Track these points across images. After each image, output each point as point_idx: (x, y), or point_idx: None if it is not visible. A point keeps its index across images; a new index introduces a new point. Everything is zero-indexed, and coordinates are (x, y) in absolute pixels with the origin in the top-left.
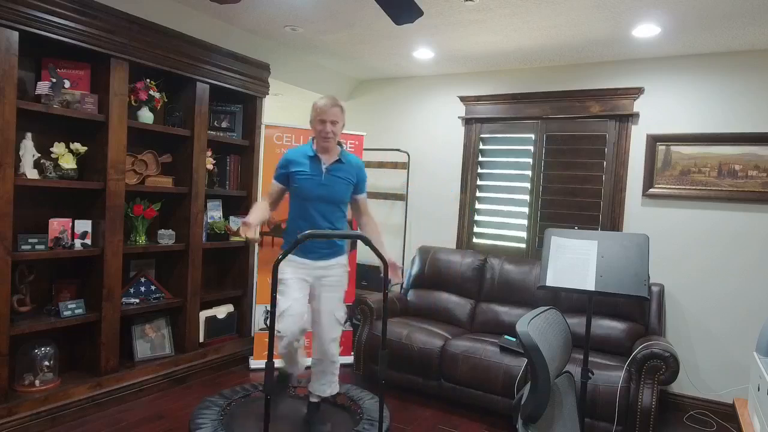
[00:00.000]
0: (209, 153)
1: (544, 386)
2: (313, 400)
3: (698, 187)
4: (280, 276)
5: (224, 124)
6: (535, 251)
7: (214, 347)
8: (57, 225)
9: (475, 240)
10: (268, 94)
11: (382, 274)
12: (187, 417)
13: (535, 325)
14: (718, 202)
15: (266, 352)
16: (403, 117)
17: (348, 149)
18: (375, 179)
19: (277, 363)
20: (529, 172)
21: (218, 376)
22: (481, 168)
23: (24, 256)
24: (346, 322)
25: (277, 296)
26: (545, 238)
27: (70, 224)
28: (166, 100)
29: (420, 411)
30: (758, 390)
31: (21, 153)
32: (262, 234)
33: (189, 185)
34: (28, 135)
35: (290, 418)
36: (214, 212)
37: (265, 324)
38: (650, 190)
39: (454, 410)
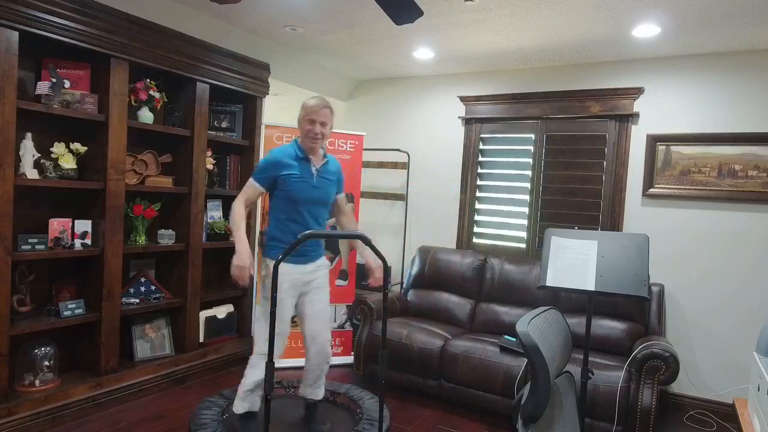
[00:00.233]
0: (209, 153)
1: (544, 386)
2: (313, 398)
3: (698, 187)
4: (242, 283)
5: (224, 124)
6: (535, 251)
7: (214, 347)
8: (57, 225)
9: (475, 240)
10: (268, 94)
11: (366, 278)
12: (187, 417)
13: (535, 325)
14: (718, 202)
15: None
16: (403, 117)
17: (348, 149)
18: (375, 179)
19: (241, 405)
20: (529, 172)
21: (218, 376)
22: (481, 168)
23: (24, 256)
24: (346, 322)
25: (260, 311)
26: (545, 238)
27: (70, 224)
28: (166, 100)
29: (420, 411)
30: (758, 390)
31: (21, 153)
32: (262, 233)
33: (189, 185)
34: (28, 135)
35: (290, 418)
36: (214, 212)
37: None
38: (650, 190)
39: (454, 410)
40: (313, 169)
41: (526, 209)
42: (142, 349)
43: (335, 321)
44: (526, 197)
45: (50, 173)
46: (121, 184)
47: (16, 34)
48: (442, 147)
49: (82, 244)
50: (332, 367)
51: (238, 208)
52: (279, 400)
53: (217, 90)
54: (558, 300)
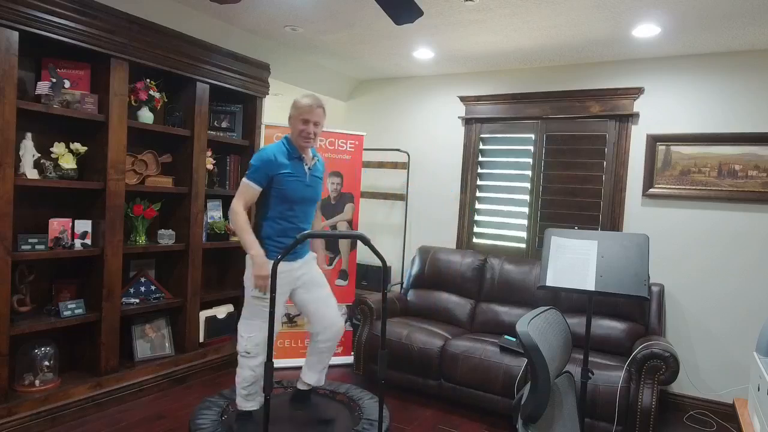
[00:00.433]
0: (209, 153)
1: (544, 386)
2: (303, 387)
3: (698, 187)
4: (259, 294)
5: (224, 124)
6: (535, 251)
7: (214, 347)
8: (57, 225)
9: (475, 240)
10: (268, 94)
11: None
12: (187, 417)
13: (535, 325)
14: (718, 202)
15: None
16: (403, 117)
17: (348, 149)
18: (375, 179)
19: (243, 405)
20: (529, 172)
21: (218, 376)
22: (481, 168)
23: (24, 256)
24: (346, 322)
25: (256, 309)
26: (545, 238)
27: (70, 224)
28: (166, 100)
29: (420, 411)
30: (758, 390)
31: (21, 153)
32: None
33: (189, 185)
34: (28, 135)
35: (290, 417)
36: (214, 212)
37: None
38: (650, 190)
39: (454, 410)
40: (306, 168)
41: (526, 209)
42: (142, 349)
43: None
44: (526, 197)
45: (50, 173)
46: (121, 184)
47: (16, 34)
48: (442, 147)
49: (82, 244)
50: (332, 367)
51: (241, 211)
52: (277, 399)
53: (217, 90)
54: (558, 300)
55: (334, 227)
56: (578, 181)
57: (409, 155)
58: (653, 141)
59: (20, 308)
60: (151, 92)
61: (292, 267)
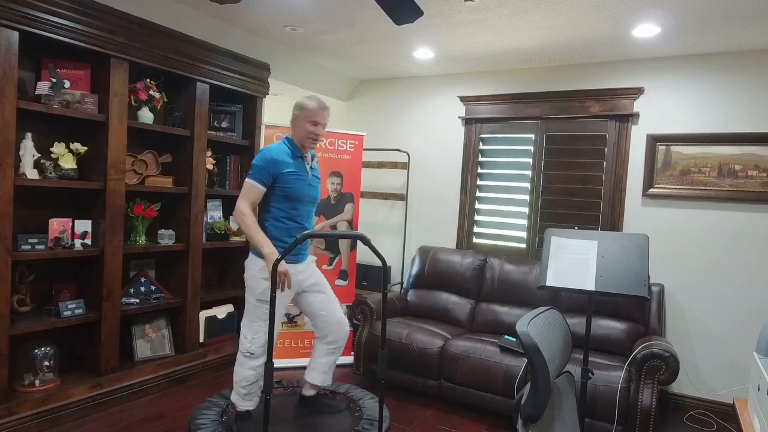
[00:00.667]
0: (209, 153)
1: (544, 386)
2: (309, 393)
3: (698, 187)
4: (263, 297)
5: (224, 124)
6: (535, 251)
7: (214, 347)
8: (57, 225)
9: (475, 240)
10: (268, 94)
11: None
12: (187, 417)
13: (535, 325)
14: (718, 202)
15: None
16: (403, 117)
17: (348, 149)
18: (375, 179)
19: (241, 404)
20: (529, 172)
21: (218, 376)
22: (481, 168)
23: (24, 256)
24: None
25: (258, 312)
26: (545, 238)
27: (70, 224)
28: (166, 100)
29: (420, 411)
30: (758, 390)
31: (21, 153)
32: None
33: (189, 185)
34: (28, 135)
35: (290, 418)
36: (214, 212)
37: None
38: (650, 190)
39: (454, 410)
40: (308, 167)
41: (526, 209)
42: (142, 349)
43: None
44: (526, 197)
45: (50, 173)
46: (121, 184)
47: (16, 34)
48: (442, 147)
49: (82, 244)
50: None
51: (248, 212)
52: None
53: (217, 90)
54: (558, 300)
55: (334, 227)
56: (578, 181)
57: (409, 155)
58: (653, 141)
59: (20, 308)
60: (151, 92)
61: (296, 269)
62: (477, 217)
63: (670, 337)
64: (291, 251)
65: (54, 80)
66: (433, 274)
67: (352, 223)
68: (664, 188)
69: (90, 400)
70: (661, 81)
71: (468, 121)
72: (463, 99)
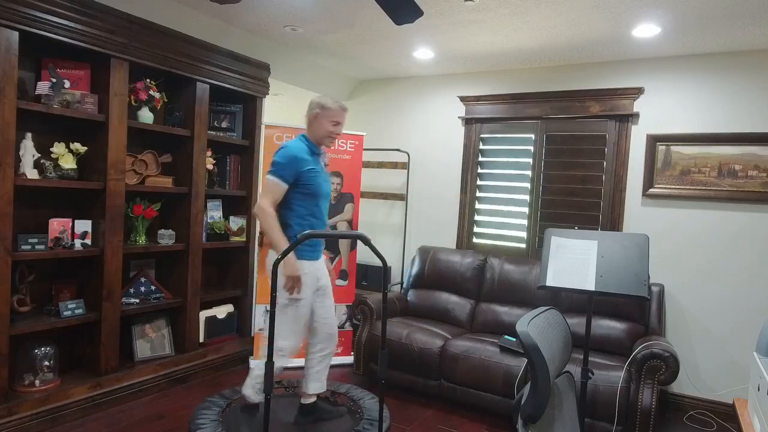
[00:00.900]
0: (209, 153)
1: (544, 386)
2: (308, 400)
3: (698, 187)
4: (296, 295)
5: (224, 124)
6: (535, 251)
7: (214, 347)
8: (57, 225)
9: (475, 240)
10: (268, 94)
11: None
12: (187, 417)
13: (535, 325)
14: (718, 202)
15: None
16: (403, 117)
17: (348, 149)
18: (375, 179)
19: (254, 398)
20: (529, 172)
21: (218, 376)
22: (481, 168)
23: (24, 256)
24: (346, 322)
25: (288, 312)
26: (545, 238)
27: (70, 224)
28: (166, 100)
29: (420, 411)
30: (758, 390)
31: (21, 153)
32: (262, 233)
33: (189, 185)
34: (28, 135)
35: (290, 418)
36: (214, 212)
37: (265, 324)
38: (650, 190)
39: (454, 410)
40: (323, 164)
41: (526, 209)
42: (142, 349)
43: (347, 323)
44: (526, 197)
45: (50, 173)
46: (121, 184)
47: (16, 34)
48: (442, 147)
49: (82, 244)
50: (332, 367)
51: (271, 210)
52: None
53: (217, 90)
54: (558, 300)
55: (334, 227)
56: (578, 181)
57: (409, 155)
58: (653, 141)
59: (20, 308)
60: (151, 92)
61: (315, 267)
62: (477, 217)
63: (670, 337)
64: (293, 249)
65: (54, 80)
66: (433, 274)
67: (352, 223)
68: (664, 188)
69: (90, 400)
70: (661, 81)
71: (468, 121)
72: (463, 99)
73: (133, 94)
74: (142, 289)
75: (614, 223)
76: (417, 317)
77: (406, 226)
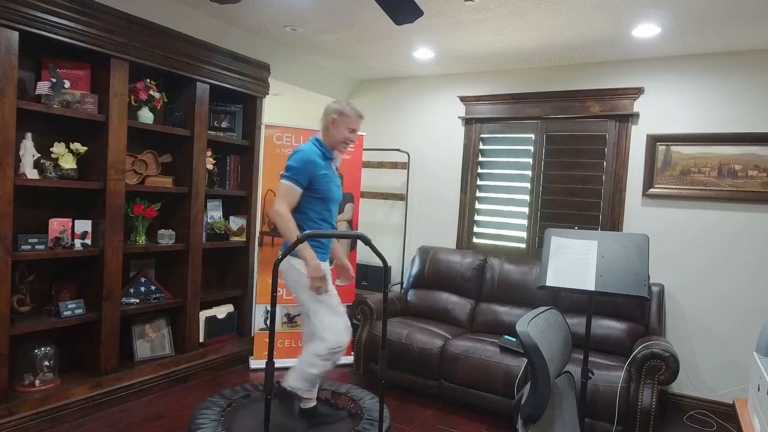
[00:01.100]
0: (209, 153)
1: (544, 386)
2: (308, 405)
3: (698, 187)
4: (323, 292)
5: (224, 124)
6: (535, 251)
7: (214, 347)
8: (57, 225)
9: (475, 240)
10: (268, 94)
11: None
12: (187, 417)
13: (535, 325)
14: (718, 202)
15: (266, 352)
16: (403, 117)
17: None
18: (375, 179)
19: (309, 402)
20: (529, 172)
21: (218, 376)
22: (481, 168)
23: (24, 256)
24: None
25: (322, 309)
26: (545, 238)
27: (70, 224)
28: (166, 100)
29: (420, 411)
30: (758, 390)
31: (21, 153)
32: (262, 233)
33: (189, 185)
34: (28, 135)
35: (290, 418)
36: (214, 212)
37: (265, 324)
38: (650, 190)
39: (454, 410)
40: (334, 169)
41: (526, 209)
42: (142, 349)
43: None
44: (526, 197)
45: (50, 173)
46: (121, 184)
47: (16, 34)
48: (442, 147)
49: (82, 244)
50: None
51: (289, 215)
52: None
53: (217, 90)
54: (558, 300)
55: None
56: (578, 181)
57: (409, 155)
58: (653, 141)
59: (20, 308)
60: (151, 92)
61: (326, 267)
62: (477, 217)
63: (670, 337)
64: (291, 250)
65: (54, 80)
66: (433, 274)
67: (352, 223)
68: (664, 188)
69: (90, 400)
70: (661, 81)
71: (468, 121)
72: (463, 99)
73: (133, 94)
74: (142, 289)
75: (614, 223)
76: (417, 317)
77: (406, 226)
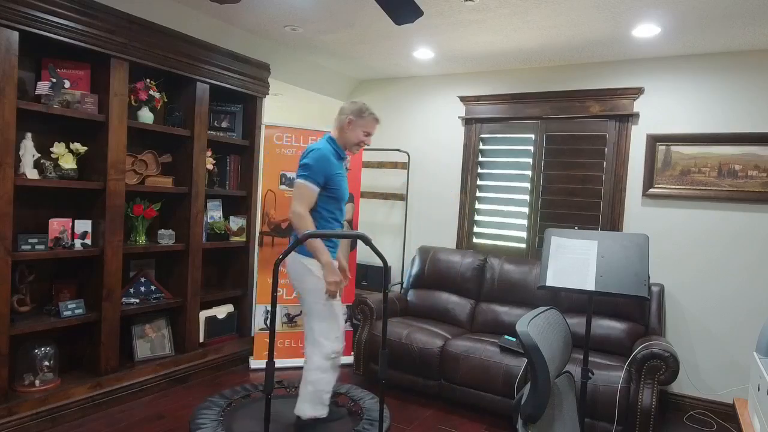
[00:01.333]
0: (209, 153)
1: (544, 386)
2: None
3: (698, 187)
4: (335, 296)
5: (224, 124)
6: (535, 251)
7: (214, 347)
8: (57, 225)
9: (475, 240)
10: (268, 94)
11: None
12: (187, 417)
13: (535, 325)
14: (718, 202)
15: (266, 352)
16: (403, 117)
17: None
18: (375, 179)
19: (320, 412)
20: (529, 172)
21: (218, 376)
22: (481, 168)
23: (24, 256)
24: (346, 322)
25: (324, 313)
26: (545, 238)
27: (70, 224)
28: (166, 100)
29: (420, 411)
30: (758, 390)
31: (21, 153)
32: (262, 233)
33: (189, 185)
34: (28, 135)
35: (291, 418)
36: (214, 212)
37: (265, 324)
38: (650, 190)
39: (454, 410)
40: (346, 168)
41: (526, 209)
42: (142, 349)
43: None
44: (526, 197)
45: (50, 173)
46: (121, 184)
47: (16, 34)
48: (442, 147)
49: (82, 244)
50: None
51: (308, 216)
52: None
53: (217, 90)
54: (558, 300)
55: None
56: (578, 181)
57: (409, 155)
58: (653, 141)
59: (20, 308)
60: (151, 92)
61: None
62: (477, 217)
63: (670, 337)
64: (292, 250)
65: (54, 80)
66: (433, 274)
67: (352, 223)
68: (664, 188)
69: (90, 400)
70: (661, 81)
71: (468, 121)
72: (463, 99)
73: (133, 94)
74: (142, 289)
75: (614, 223)
76: (417, 317)
77: (406, 226)
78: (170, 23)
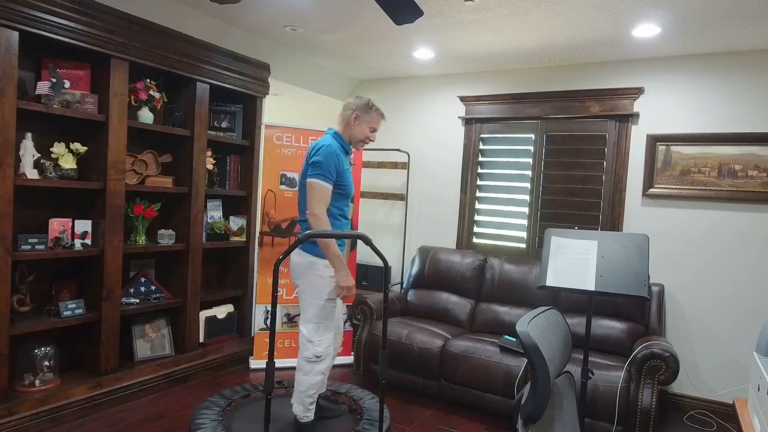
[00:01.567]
0: (209, 153)
1: (544, 386)
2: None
3: (698, 187)
4: (333, 296)
5: (224, 124)
6: (535, 251)
7: (214, 347)
8: (57, 225)
9: (475, 240)
10: (268, 94)
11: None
12: (187, 417)
13: (535, 325)
14: (718, 202)
15: (266, 352)
16: (403, 117)
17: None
18: (375, 179)
19: (305, 415)
20: (529, 172)
21: (218, 376)
22: (481, 168)
23: (24, 256)
24: (346, 322)
25: (323, 315)
26: (545, 238)
27: (70, 224)
28: (166, 100)
29: (420, 411)
30: (758, 390)
31: (21, 153)
32: (262, 233)
33: (189, 185)
34: (28, 135)
35: (291, 418)
36: (214, 212)
37: (265, 324)
38: (650, 190)
39: (454, 410)
40: (350, 164)
41: (526, 209)
42: (142, 349)
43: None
44: (526, 197)
45: (50, 173)
46: (121, 184)
47: (16, 34)
48: (442, 147)
49: (82, 244)
50: (333, 367)
51: (327, 219)
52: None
53: (217, 90)
54: (558, 300)
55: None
56: (578, 181)
57: (409, 155)
58: (653, 141)
59: (20, 308)
60: (151, 92)
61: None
62: (477, 217)
63: (670, 337)
64: (293, 250)
65: (54, 80)
66: (433, 274)
67: (352, 223)
68: (664, 188)
69: (90, 400)
70: (661, 81)
71: (468, 121)
72: (463, 99)
73: (133, 94)
74: (142, 289)
75: (614, 223)
76: (417, 317)
77: (406, 226)
78: (170, 23)
